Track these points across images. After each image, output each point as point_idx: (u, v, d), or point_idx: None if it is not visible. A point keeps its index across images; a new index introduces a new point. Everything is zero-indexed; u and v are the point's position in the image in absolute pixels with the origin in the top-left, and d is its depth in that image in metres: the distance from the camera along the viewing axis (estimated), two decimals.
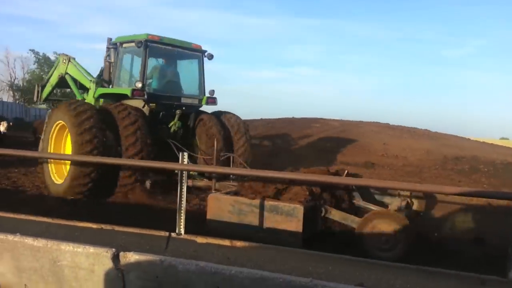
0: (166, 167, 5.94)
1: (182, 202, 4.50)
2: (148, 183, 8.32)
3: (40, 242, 3.51)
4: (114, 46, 9.83)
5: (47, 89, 12.58)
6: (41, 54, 49.35)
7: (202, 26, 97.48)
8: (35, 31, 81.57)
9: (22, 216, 4.88)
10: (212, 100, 10.34)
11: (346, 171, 7.01)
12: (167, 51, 9.98)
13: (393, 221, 5.27)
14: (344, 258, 4.02)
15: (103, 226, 4.52)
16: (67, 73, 11.11)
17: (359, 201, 6.22)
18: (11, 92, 50.25)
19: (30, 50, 50.87)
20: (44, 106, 48.46)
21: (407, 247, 5.14)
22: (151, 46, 9.47)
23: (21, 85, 50.20)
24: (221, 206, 5.60)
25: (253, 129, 26.32)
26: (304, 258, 4.03)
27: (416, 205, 6.70)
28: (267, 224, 5.29)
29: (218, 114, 10.55)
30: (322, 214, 5.70)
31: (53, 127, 8.98)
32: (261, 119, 32.34)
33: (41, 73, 49.40)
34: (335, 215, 5.71)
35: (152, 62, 10.01)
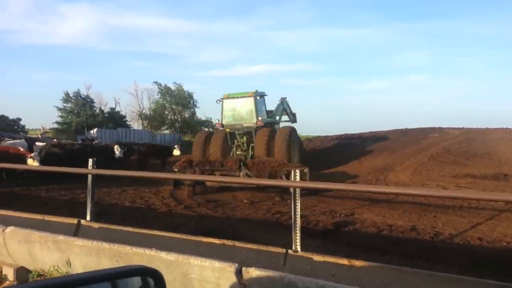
0: (278, 184, 6.12)
1: (297, 219, 4.51)
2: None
3: (172, 256, 3.83)
4: None
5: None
6: (163, 85, 55.07)
7: (304, 44, 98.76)
8: (158, 64, 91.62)
9: (156, 232, 5.38)
10: (259, 123, 17.08)
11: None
12: (234, 99, 18.09)
13: None
14: (475, 281, 3.61)
15: (225, 241, 4.75)
16: None
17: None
18: (140, 121, 56.67)
19: (154, 82, 57.00)
20: (167, 131, 53.73)
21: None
22: (224, 100, 18.08)
23: (148, 114, 56.30)
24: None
25: (363, 142, 25.52)
26: (430, 279, 3.73)
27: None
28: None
29: (281, 128, 17.56)
30: None
31: None
32: (371, 132, 31.18)
33: (164, 102, 55.03)
34: None
35: (228, 106, 18.08)
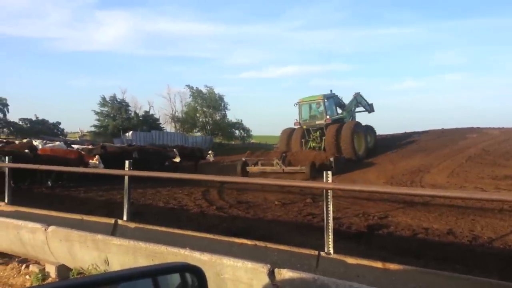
0: (314, 187, 6.11)
1: (329, 221, 4.46)
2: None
3: (205, 256, 3.88)
4: None
5: None
6: (194, 88, 55.94)
7: (337, 44, 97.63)
8: (190, 68, 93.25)
9: (189, 232, 5.47)
10: (328, 120, 21.22)
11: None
12: (309, 102, 22.38)
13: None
14: None
15: (257, 242, 4.77)
16: None
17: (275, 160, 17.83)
18: (172, 123, 57.75)
19: (186, 85, 57.98)
20: (199, 134, 54.47)
21: None
22: (300, 103, 22.46)
23: (180, 117, 57.30)
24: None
25: (393, 142, 24.94)
26: (468, 284, 3.61)
27: None
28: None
29: (347, 123, 21.24)
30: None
31: None
32: (405, 132, 30.42)
33: (196, 105, 55.85)
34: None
35: (303, 108, 22.45)
